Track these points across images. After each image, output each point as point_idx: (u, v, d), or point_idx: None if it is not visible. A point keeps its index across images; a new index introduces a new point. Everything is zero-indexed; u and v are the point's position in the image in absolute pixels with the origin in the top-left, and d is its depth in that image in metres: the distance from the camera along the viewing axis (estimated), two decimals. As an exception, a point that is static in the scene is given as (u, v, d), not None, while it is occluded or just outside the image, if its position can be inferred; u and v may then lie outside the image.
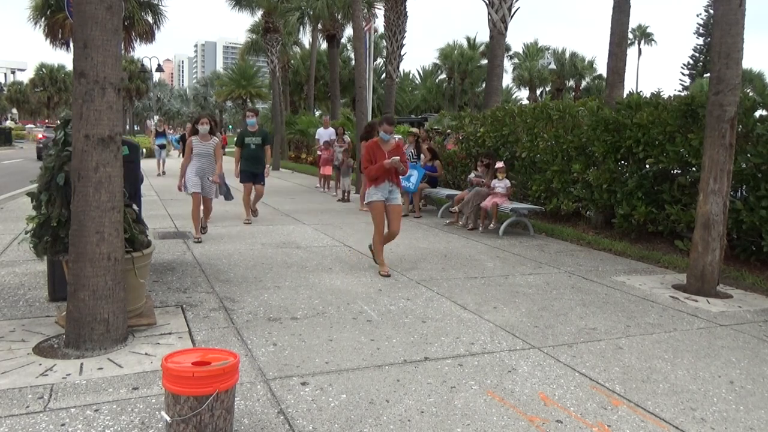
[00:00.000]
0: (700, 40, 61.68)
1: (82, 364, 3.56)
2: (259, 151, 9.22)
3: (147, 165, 16.21)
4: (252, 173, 9.25)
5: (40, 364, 3.52)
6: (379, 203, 6.08)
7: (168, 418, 2.60)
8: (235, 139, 9.52)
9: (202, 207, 8.03)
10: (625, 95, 9.15)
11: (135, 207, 4.73)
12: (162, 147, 19.58)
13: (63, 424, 2.84)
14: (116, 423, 2.87)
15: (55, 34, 24.83)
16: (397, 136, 6.02)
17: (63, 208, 4.08)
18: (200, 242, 7.49)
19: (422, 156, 11.28)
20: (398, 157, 5.94)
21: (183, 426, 2.58)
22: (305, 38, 37.08)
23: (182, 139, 19.60)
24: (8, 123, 64.04)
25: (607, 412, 3.18)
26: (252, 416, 2.99)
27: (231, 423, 2.73)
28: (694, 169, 7.52)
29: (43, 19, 24.58)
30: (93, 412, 2.97)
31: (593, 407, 3.23)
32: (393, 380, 3.48)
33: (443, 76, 51.38)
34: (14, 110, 73.85)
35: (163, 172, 18.46)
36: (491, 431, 2.94)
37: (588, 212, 9.56)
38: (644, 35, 71.24)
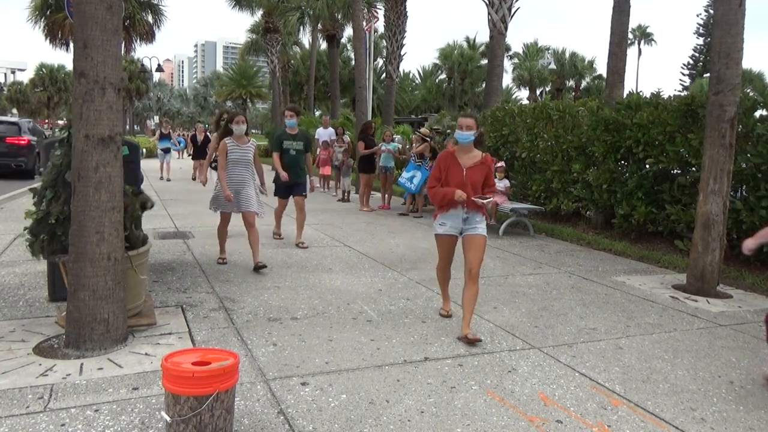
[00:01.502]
0: (700, 40, 61.65)
1: (82, 364, 3.56)
2: (300, 158, 7.48)
3: (147, 165, 16.07)
4: (288, 186, 7.51)
5: (40, 364, 3.52)
6: (447, 238, 4.43)
7: (168, 418, 2.60)
8: (272, 143, 7.88)
9: (227, 226, 7.04)
10: (625, 95, 9.15)
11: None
12: (166, 151, 17.31)
13: (63, 424, 2.84)
14: (116, 423, 2.87)
15: (55, 34, 24.84)
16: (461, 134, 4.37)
17: (65, 206, 4.09)
18: (225, 263, 6.36)
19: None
20: (491, 198, 4.30)
21: (183, 426, 2.58)
22: (305, 38, 37.16)
23: (193, 141, 16.90)
24: None
25: (607, 412, 3.18)
26: (252, 416, 2.99)
27: (231, 423, 2.73)
28: (694, 169, 7.52)
29: (43, 19, 24.59)
30: (93, 412, 2.97)
31: (593, 407, 3.23)
32: (393, 380, 3.48)
33: (443, 76, 51.40)
34: (14, 110, 73.83)
35: (168, 179, 16.60)
36: (491, 431, 2.94)
37: (588, 212, 9.56)
38: (644, 35, 71.23)
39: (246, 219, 6.24)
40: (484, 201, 4.23)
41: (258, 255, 6.20)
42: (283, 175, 7.32)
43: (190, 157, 17.94)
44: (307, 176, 7.59)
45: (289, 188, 7.54)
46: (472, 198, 4.22)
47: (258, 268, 6.08)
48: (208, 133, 16.38)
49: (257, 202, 6.31)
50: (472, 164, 4.33)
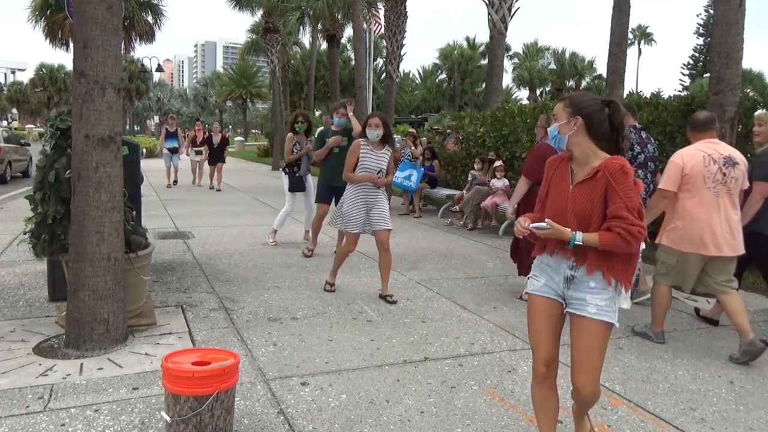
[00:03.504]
0: (700, 40, 61.59)
1: (82, 364, 3.56)
2: (343, 157, 6.31)
3: (147, 165, 15.83)
4: (330, 188, 6.78)
5: (40, 364, 3.52)
6: (541, 300, 2.52)
7: (168, 418, 2.60)
8: (316, 141, 7.19)
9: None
10: (625, 95, 9.15)
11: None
12: (174, 151, 15.10)
13: (63, 424, 2.84)
14: (116, 423, 2.87)
15: (55, 34, 24.83)
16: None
17: (58, 205, 4.10)
18: (333, 290, 5.39)
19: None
20: (544, 225, 2.38)
21: (183, 426, 2.58)
22: (305, 38, 37.13)
23: (209, 144, 15.14)
24: (15, 123, 63.70)
25: (607, 412, 3.18)
26: (252, 416, 2.99)
27: (231, 423, 2.73)
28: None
29: (43, 19, 24.58)
30: (93, 412, 2.97)
31: (593, 407, 3.23)
32: (393, 380, 3.48)
33: (443, 76, 51.42)
34: (14, 110, 73.85)
35: (175, 182, 14.90)
36: (491, 431, 2.94)
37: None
38: (644, 35, 71.30)
39: (379, 239, 5.18)
40: (538, 227, 2.40)
41: (387, 284, 5.22)
42: (335, 140, 6.67)
43: (206, 161, 15.33)
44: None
45: (331, 191, 6.82)
46: (529, 226, 2.43)
47: (386, 299, 5.14)
48: (216, 135, 15.20)
49: (387, 215, 5.35)
50: (584, 178, 2.43)
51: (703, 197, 4.06)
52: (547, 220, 2.39)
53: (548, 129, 2.66)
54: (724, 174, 4.08)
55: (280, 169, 7.77)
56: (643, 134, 5.31)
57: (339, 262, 5.44)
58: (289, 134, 7.47)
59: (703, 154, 4.10)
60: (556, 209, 2.49)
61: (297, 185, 7.54)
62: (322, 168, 6.92)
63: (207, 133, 15.46)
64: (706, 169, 4.06)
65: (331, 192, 6.82)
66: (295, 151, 7.40)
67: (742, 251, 4.20)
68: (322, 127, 7.38)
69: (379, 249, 5.20)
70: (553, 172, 2.58)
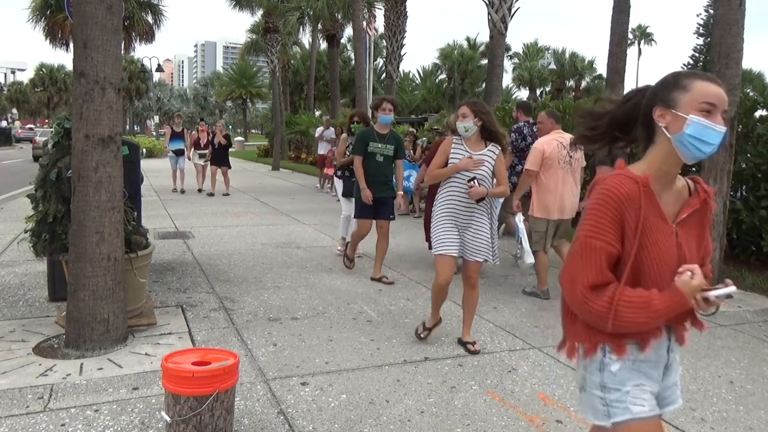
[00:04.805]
0: (700, 40, 61.41)
1: (82, 364, 3.56)
2: (388, 166, 5.80)
3: (147, 165, 15.78)
4: (374, 200, 5.70)
5: (40, 364, 3.52)
6: (656, 426, 1.81)
7: (168, 418, 2.60)
8: (353, 144, 6.02)
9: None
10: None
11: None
12: (180, 154, 13.61)
13: (63, 424, 2.84)
14: (116, 423, 2.87)
15: (55, 34, 24.86)
16: None
17: (59, 204, 4.11)
18: (427, 333, 4.16)
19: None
20: (726, 291, 1.51)
21: (183, 426, 2.58)
22: (305, 38, 37.19)
23: (210, 144, 13.59)
24: (17, 123, 63.68)
25: (607, 412, 3.18)
26: (252, 416, 2.99)
27: (231, 423, 2.73)
28: (693, 169, 7.51)
29: (43, 20, 24.61)
30: (93, 412, 2.97)
31: (593, 407, 3.23)
32: (393, 380, 3.48)
33: (443, 76, 51.47)
34: (14, 110, 73.91)
35: (182, 190, 13.47)
36: (491, 431, 2.94)
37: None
38: (644, 35, 71.25)
39: (465, 271, 4.06)
40: (718, 294, 1.52)
41: (469, 328, 4.13)
42: (367, 195, 5.66)
43: (208, 162, 13.72)
44: (399, 194, 5.86)
45: (376, 203, 5.74)
46: (712, 298, 1.53)
47: (466, 346, 4.02)
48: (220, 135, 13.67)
49: (491, 247, 3.99)
50: (692, 209, 1.64)
51: (557, 175, 5.21)
52: (727, 280, 1.53)
53: (712, 125, 1.52)
54: (571, 156, 5.27)
55: (333, 173, 7.50)
56: (535, 128, 6.50)
57: (436, 300, 4.07)
58: (344, 135, 6.75)
59: (557, 142, 5.25)
60: (667, 265, 1.56)
61: (351, 190, 6.44)
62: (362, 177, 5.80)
63: (211, 134, 14.13)
64: (559, 153, 5.22)
65: (371, 206, 5.78)
66: (348, 153, 6.58)
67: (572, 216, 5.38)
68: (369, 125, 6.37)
69: (463, 282, 4.14)
70: (641, 210, 1.55)
